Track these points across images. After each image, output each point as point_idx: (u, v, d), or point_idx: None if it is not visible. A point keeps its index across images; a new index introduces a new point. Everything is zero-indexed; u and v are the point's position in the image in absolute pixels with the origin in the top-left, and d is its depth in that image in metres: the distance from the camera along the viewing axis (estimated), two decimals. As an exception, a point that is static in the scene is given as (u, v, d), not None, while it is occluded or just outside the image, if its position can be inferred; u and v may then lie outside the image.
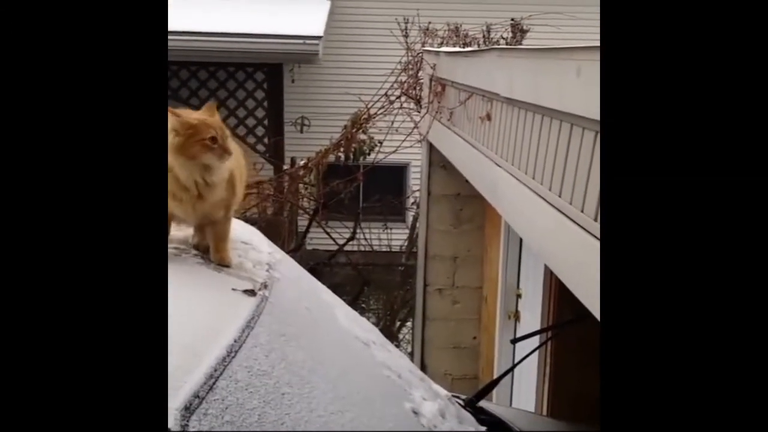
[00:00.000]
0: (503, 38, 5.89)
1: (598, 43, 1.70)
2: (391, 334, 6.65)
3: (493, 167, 2.86)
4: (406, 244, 7.65)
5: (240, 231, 1.68)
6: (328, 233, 6.68)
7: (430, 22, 5.74)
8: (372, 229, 7.49)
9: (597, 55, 1.70)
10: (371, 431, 1.26)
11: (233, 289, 1.30)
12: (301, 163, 6.12)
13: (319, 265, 6.79)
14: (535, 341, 3.10)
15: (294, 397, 1.11)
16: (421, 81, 5.16)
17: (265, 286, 1.36)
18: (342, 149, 5.93)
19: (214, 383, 0.99)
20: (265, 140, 7.73)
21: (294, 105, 8.54)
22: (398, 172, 8.99)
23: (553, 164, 2.06)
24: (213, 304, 1.24)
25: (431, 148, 4.80)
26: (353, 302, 6.59)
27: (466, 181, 3.84)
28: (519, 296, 4.40)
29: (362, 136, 6.12)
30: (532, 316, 4.04)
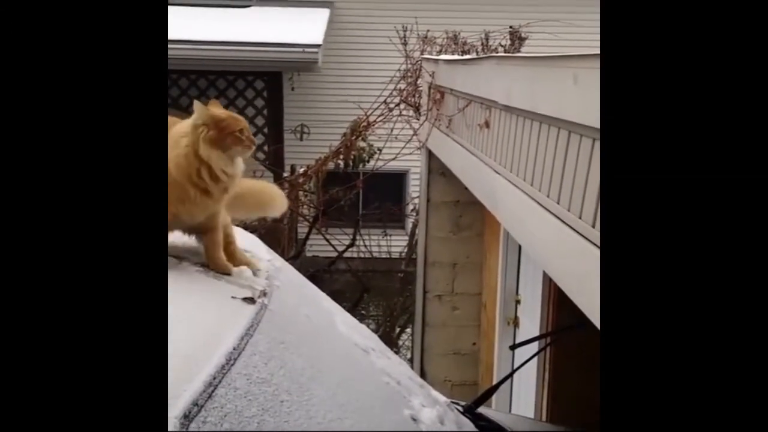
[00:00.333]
0: (501, 46, 5.92)
1: (595, 51, 1.72)
2: (390, 340, 6.64)
3: (492, 174, 2.87)
4: (405, 250, 7.65)
5: (240, 238, 1.69)
6: (327, 240, 6.68)
7: (428, 30, 5.76)
8: (371, 236, 7.49)
9: (594, 63, 1.71)
10: (370, 438, 1.26)
11: (232, 297, 1.30)
12: (301, 170, 6.13)
13: (319, 272, 6.79)
14: (534, 347, 3.10)
15: (293, 405, 1.11)
16: (420, 88, 5.18)
17: (264, 293, 1.37)
18: (341, 157, 5.95)
19: (213, 391, 0.99)
20: (265, 148, 7.75)
21: (293, 113, 8.56)
22: (397, 179, 9.01)
23: (551, 171, 2.06)
24: (212, 311, 1.24)
25: (430, 155, 4.81)
26: (353, 309, 6.59)
27: (465, 188, 3.85)
28: (518, 302, 4.40)
29: (362, 144, 6.14)
30: (531, 322, 4.04)
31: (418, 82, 5.27)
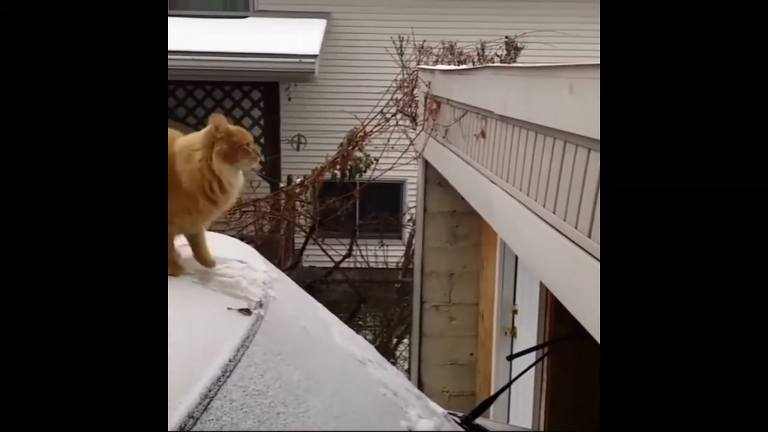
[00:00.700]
0: (497, 56, 5.94)
1: (591, 61, 1.72)
2: (387, 351, 6.62)
3: (488, 184, 2.87)
4: (402, 260, 7.64)
5: (236, 250, 1.68)
6: (324, 250, 6.68)
7: (424, 41, 5.79)
8: (368, 246, 7.49)
9: (589, 73, 1.72)
10: (367, 450, 1.25)
11: (228, 308, 1.30)
12: (298, 180, 6.13)
13: (316, 283, 6.78)
14: (531, 357, 3.10)
15: (289, 417, 1.11)
16: (417, 99, 5.20)
17: (260, 304, 1.36)
18: (338, 167, 5.96)
19: (208, 403, 0.99)
20: (262, 158, 7.74)
21: (290, 123, 8.57)
22: (394, 189, 9.01)
23: (547, 181, 2.07)
24: (208, 323, 1.24)
25: (427, 165, 4.82)
26: (350, 319, 6.58)
27: (462, 198, 3.86)
28: (515, 312, 4.39)
29: (358, 154, 6.15)
30: (528, 332, 4.04)
31: (415, 92, 5.29)
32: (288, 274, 2.26)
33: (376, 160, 6.21)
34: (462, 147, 3.54)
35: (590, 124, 1.67)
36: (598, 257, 1.65)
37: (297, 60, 7.42)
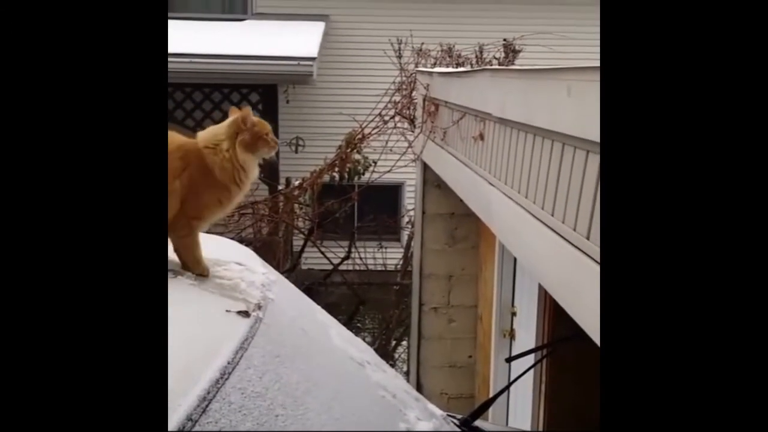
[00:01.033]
0: (496, 58, 5.95)
1: (589, 63, 1.73)
2: (386, 353, 6.62)
3: (487, 186, 2.88)
4: (401, 263, 7.64)
5: (234, 252, 1.68)
6: (323, 253, 6.67)
7: (423, 43, 5.79)
8: (367, 248, 7.48)
9: (587, 75, 1.72)
10: (366, 452, 1.25)
11: (227, 311, 1.30)
12: (296, 183, 6.13)
13: (315, 285, 6.78)
14: (530, 359, 3.10)
15: (288, 419, 1.11)
16: (415, 101, 5.20)
17: (259, 307, 1.36)
18: (337, 169, 5.96)
19: (207, 406, 0.98)
20: (261, 161, 7.73)
21: (289, 125, 8.57)
22: (393, 191, 9.01)
23: (546, 183, 2.07)
24: (207, 325, 1.24)
25: (425, 167, 4.82)
26: (348, 322, 6.58)
27: (461, 200, 3.86)
28: (514, 314, 4.39)
29: (357, 156, 6.16)
30: (527, 334, 4.04)
31: (413, 94, 5.29)
32: (286, 277, 2.26)
33: (375, 162, 6.22)
34: (460, 149, 3.54)
35: (588, 127, 1.67)
36: (597, 259, 1.65)
37: (295, 62, 7.43)
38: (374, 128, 5.62)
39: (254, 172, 1.51)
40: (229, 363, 1.10)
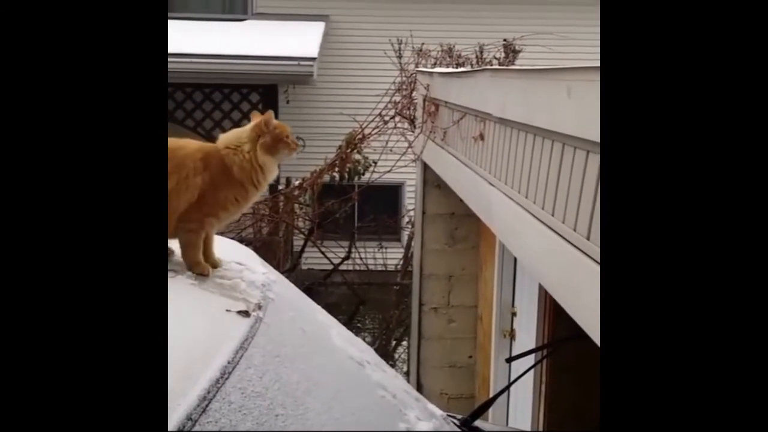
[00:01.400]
0: (496, 58, 5.95)
1: (589, 63, 1.73)
2: (386, 353, 6.62)
3: (487, 186, 2.88)
4: (401, 263, 7.64)
5: (234, 252, 1.68)
6: (323, 253, 6.68)
7: (423, 43, 5.79)
8: (367, 248, 7.48)
9: (587, 76, 1.72)
10: (366, 452, 1.25)
11: (227, 311, 1.30)
12: (296, 183, 6.13)
13: (315, 285, 6.78)
14: (530, 359, 3.10)
15: (288, 419, 1.11)
16: (415, 101, 5.20)
17: (259, 306, 1.36)
18: (337, 169, 5.96)
19: (207, 405, 0.98)
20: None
21: (289, 125, 8.55)
22: (393, 191, 9.01)
23: (546, 183, 2.07)
24: (207, 325, 1.24)
25: (425, 167, 4.82)
26: (349, 322, 6.58)
27: (461, 200, 3.86)
28: (514, 315, 4.39)
29: (357, 156, 6.15)
30: (527, 335, 4.04)
31: (413, 94, 5.29)
32: (287, 277, 2.26)
33: (375, 162, 6.22)
34: (460, 149, 3.54)
35: (588, 127, 1.67)
36: (597, 259, 1.65)
37: (295, 63, 7.43)
38: (374, 128, 5.62)
39: (272, 174, 1.56)
40: (229, 363, 1.10)
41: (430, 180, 4.86)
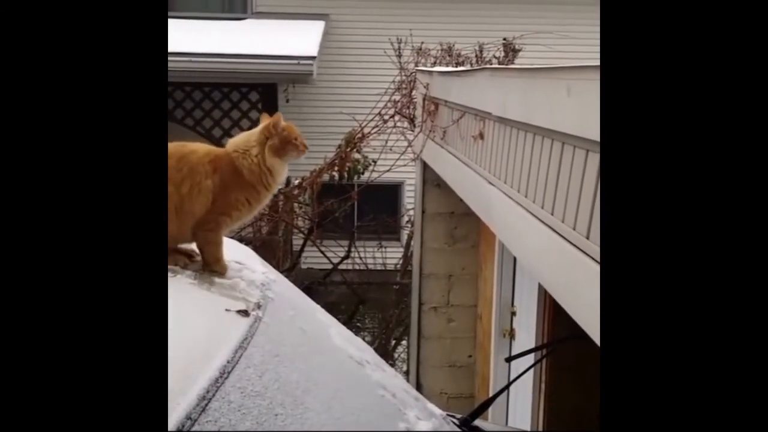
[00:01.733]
0: (495, 57, 5.95)
1: (588, 62, 1.72)
2: (386, 352, 6.62)
3: (487, 186, 2.88)
4: (401, 262, 7.64)
5: (234, 251, 1.68)
6: (322, 252, 6.67)
7: (423, 42, 5.79)
8: (367, 247, 7.48)
9: (587, 75, 1.72)
10: (365, 452, 1.25)
11: (227, 310, 1.30)
12: (296, 182, 6.13)
13: (314, 284, 6.78)
14: (530, 359, 3.10)
15: (287, 418, 1.11)
16: (415, 100, 5.20)
17: (258, 306, 1.36)
18: (336, 168, 5.95)
19: (206, 405, 0.98)
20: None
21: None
22: (392, 190, 9.01)
23: (545, 183, 2.07)
24: (206, 324, 1.24)
25: (425, 166, 4.82)
26: (348, 321, 6.58)
27: (460, 199, 3.85)
28: (513, 314, 4.39)
29: (356, 156, 6.15)
30: (526, 334, 4.04)
31: (413, 93, 5.28)
32: (286, 276, 2.26)
33: (375, 161, 6.21)
34: (460, 148, 3.54)
35: (588, 126, 1.67)
36: (597, 259, 1.65)
37: (295, 62, 7.43)
38: (374, 127, 5.62)
39: (282, 176, 1.57)
40: (228, 362, 1.10)
41: (430, 179, 4.86)
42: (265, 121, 1.57)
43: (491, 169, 2.83)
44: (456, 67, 5.40)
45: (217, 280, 1.45)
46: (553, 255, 1.99)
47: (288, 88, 8.46)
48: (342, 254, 6.82)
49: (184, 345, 1.10)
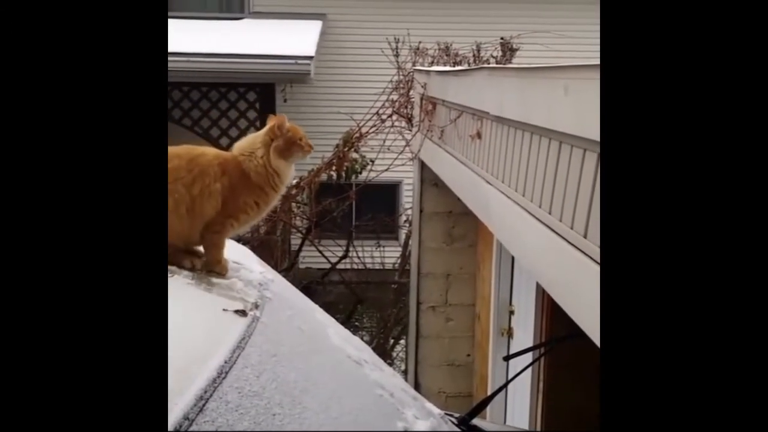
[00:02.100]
0: (493, 57, 5.94)
1: (586, 62, 1.72)
2: (384, 352, 6.62)
3: (484, 185, 2.88)
4: (399, 261, 7.64)
5: (231, 251, 1.68)
6: (320, 252, 6.67)
7: (420, 42, 5.78)
8: (365, 247, 7.48)
9: (584, 74, 1.72)
10: (364, 451, 1.25)
11: (224, 310, 1.30)
12: (294, 182, 6.12)
13: (312, 284, 6.78)
14: (528, 358, 3.10)
15: (285, 418, 1.10)
16: (412, 100, 5.19)
17: (256, 306, 1.36)
18: (334, 168, 5.94)
19: (204, 405, 0.98)
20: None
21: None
22: (390, 190, 9.01)
23: (543, 182, 2.07)
24: (204, 324, 1.24)
25: (423, 166, 4.82)
26: (347, 320, 6.58)
27: (458, 198, 3.86)
28: (511, 313, 4.40)
29: (354, 155, 6.14)
30: (524, 333, 4.04)
31: (410, 93, 5.28)
32: (284, 276, 2.26)
33: (372, 161, 6.21)
34: (458, 148, 3.54)
35: (585, 125, 1.67)
36: (595, 257, 1.65)
37: (293, 61, 7.42)
38: (372, 127, 5.61)
39: (288, 177, 1.58)
40: (226, 362, 1.10)
41: (428, 178, 4.86)
42: (270, 122, 1.57)
43: (489, 168, 2.83)
44: (453, 66, 5.40)
45: (214, 280, 1.45)
46: (550, 254, 1.99)
47: (285, 88, 8.44)
48: (340, 254, 6.82)
49: (182, 345, 1.10)
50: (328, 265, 6.80)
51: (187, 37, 7.38)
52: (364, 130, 5.66)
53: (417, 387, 4.91)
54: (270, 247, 6.09)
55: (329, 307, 2.34)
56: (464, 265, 5.01)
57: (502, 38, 6.04)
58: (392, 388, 1.59)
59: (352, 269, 7.21)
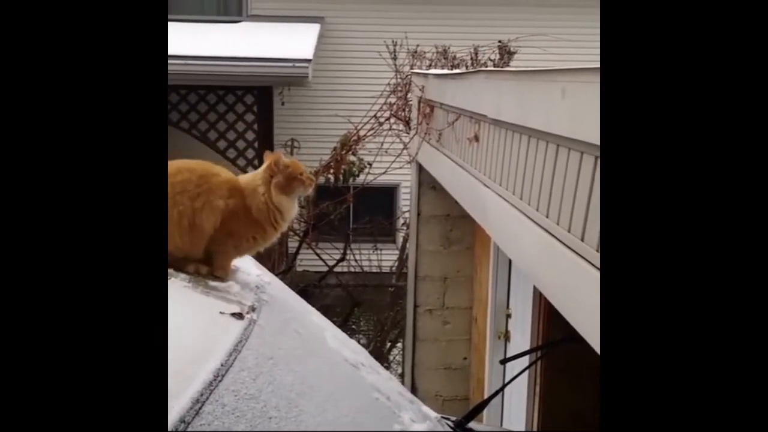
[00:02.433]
0: (491, 60, 5.96)
1: (583, 65, 1.73)
2: (381, 355, 6.62)
3: (482, 188, 2.88)
4: (396, 265, 7.64)
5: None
6: (318, 255, 6.67)
7: (418, 45, 5.80)
8: (362, 250, 7.48)
9: (582, 77, 1.73)
10: (360, 454, 1.25)
11: (221, 313, 1.29)
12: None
13: (310, 287, 6.78)
14: (525, 361, 3.10)
15: (282, 421, 1.10)
16: (410, 103, 5.20)
17: (253, 309, 1.36)
18: (332, 171, 5.95)
19: (200, 408, 0.98)
20: (256, 162, 7.73)
21: (284, 127, 8.56)
22: (388, 193, 9.01)
23: (540, 185, 2.07)
24: (200, 327, 1.24)
25: (420, 169, 4.82)
26: (343, 323, 6.57)
27: (456, 201, 3.86)
28: (508, 316, 4.40)
29: (352, 158, 6.15)
30: (521, 336, 4.04)
31: (408, 96, 5.29)
32: (281, 279, 2.26)
33: (370, 164, 6.22)
34: (455, 151, 3.54)
35: (583, 128, 1.68)
36: (592, 261, 1.65)
37: (290, 64, 7.42)
38: (369, 130, 5.62)
39: (291, 212, 1.57)
40: (222, 365, 1.10)
41: (425, 181, 4.87)
42: (267, 160, 1.56)
43: (486, 171, 2.83)
44: (451, 69, 5.40)
45: (211, 282, 1.44)
46: (548, 257, 1.99)
47: (283, 91, 8.45)
48: (337, 257, 6.82)
49: (178, 347, 1.09)
50: (325, 268, 6.80)
51: (186, 40, 7.37)
52: (361, 133, 5.67)
53: (414, 390, 4.90)
54: (267, 250, 6.08)
55: (326, 310, 2.34)
56: (461, 269, 5.01)
57: (499, 41, 6.06)
58: (389, 391, 1.59)
59: (350, 272, 7.21)
